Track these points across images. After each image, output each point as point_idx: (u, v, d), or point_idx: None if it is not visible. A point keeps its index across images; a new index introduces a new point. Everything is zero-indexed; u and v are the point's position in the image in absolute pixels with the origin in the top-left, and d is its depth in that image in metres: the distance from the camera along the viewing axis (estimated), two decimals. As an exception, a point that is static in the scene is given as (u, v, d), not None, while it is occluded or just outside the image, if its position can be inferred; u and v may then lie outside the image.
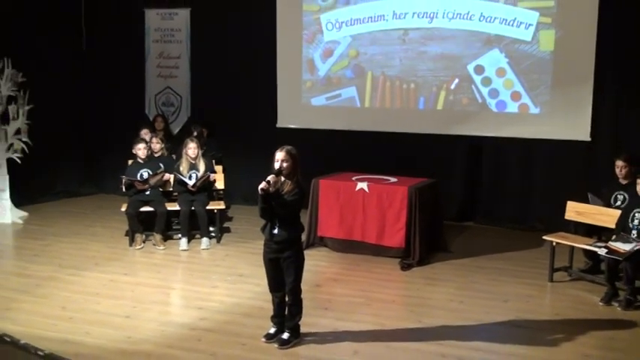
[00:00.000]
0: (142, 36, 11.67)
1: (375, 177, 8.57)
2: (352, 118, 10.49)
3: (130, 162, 9.04)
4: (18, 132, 9.84)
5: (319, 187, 8.51)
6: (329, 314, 6.37)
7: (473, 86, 9.79)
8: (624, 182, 7.43)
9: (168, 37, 11.57)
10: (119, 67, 11.63)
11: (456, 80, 9.86)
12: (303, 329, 5.75)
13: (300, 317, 5.70)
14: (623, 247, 6.65)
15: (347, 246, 8.40)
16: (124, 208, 8.69)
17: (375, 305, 6.68)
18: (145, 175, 8.74)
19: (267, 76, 10.86)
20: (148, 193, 8.69)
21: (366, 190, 8.25)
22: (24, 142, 9.82)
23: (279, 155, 5.43)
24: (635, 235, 6.76)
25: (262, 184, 5.27)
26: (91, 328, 5.92)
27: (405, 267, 7.87)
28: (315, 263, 7.86)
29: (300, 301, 5.67)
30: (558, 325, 6.20)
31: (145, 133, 9.45)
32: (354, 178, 8.51)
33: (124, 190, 8.76)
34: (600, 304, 6.74)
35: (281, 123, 10.92)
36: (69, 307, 6.45)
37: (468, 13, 9.68)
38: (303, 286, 5.69)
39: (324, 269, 7.84)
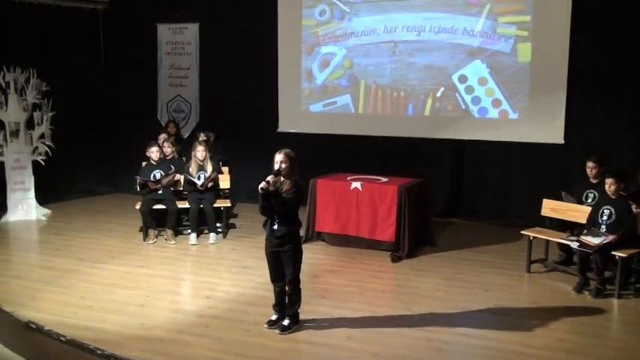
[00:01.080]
0: (155, 49, 11.67)
1: (367, 177, 8.58)
2: (347, 123, 10.49)
3: (143, 164, 9.04)
4: (42, 136, 9.86)
5: (317, 186, 8.51)
6: (326, 302, 6.38)
7: (457, 94, 9.80)
8: (594, 181, 7.42)
9: (178, 49, 11.57)
10: (134, 77, 11.61)
11: (442, 89, 9.87)
12: (302, 316, 5.77)
13: (300, 305, 5.72)
14: (594, 240, 6.67)
15: (342, 240, 8.41)
16: (138, 206, 8.69)
17: (368, 294, 6.69)
18: (158, 176, 8.74)
19: (269, 84, 10.86)
20: (160, 192, 8.69)
21: (360, 189, 8.26)
22: (47, 146, 9.84)
23: (278, 157, 5.45)
24: (604, 230, 6.76)
25: (262, 184, 5.29)
26: (109, 316, 5.94)
27: (396, 259, 7.87)
28: (313, 256, 7.86)
29: (299, 290, 5.69)
30: (535, 312, 6.22)
31: (163, 138, 9.45)
32: (348, 178, 8.51)
33: (138, 189, 8.75)
34: (573, 292, 6.75)
35: (282, 128, 10.92)
36: (88, 297, 6.46)
37: (452, 27, 9.70)
38: (301, 276, 5.71)
39: (321, 261, 7.85)
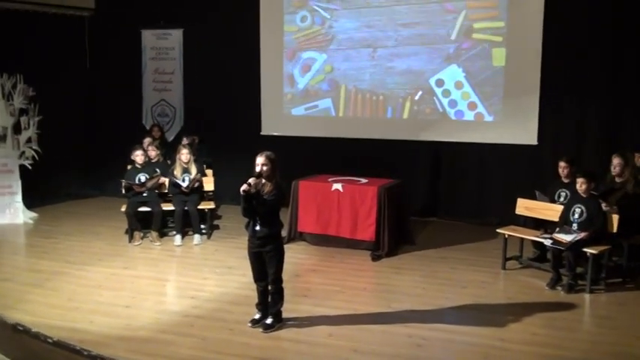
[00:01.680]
0: (139, 54, 11.62)
1: (348, 178, 8.59)
2: (328, 126, 10.50)
3: (129, 167, 9.02)
4: (29, 141, 9.76)
5: (299, 187, 8.51)
6: (307, 301, 6.38)
7: (434, 97, 9.84)
8: (566, 181, 7.49)
9: (162, 55, 11.52)
10: (119, 82, 11.54)
11: (420, 92, 9.91)
12: (284, 314, 5.77)
13: (282, 304, 5.71)
14: (566, 238, 6.73)
15: (323, 240, 8.41)
16: (123, 209, 8.64)
17: (349, 292, 6.70)
18: (143, 179, 8.69)
19: (252, 89, 10.84)
20: (145, 194, 8.65)
21: (341, 190, 8.27)
22: (34, 150, 9.74)
23: (260, 160, 5.44)
24: (576, 228, 6.84)
25: (244, 186, 5.29)
26: (95, 317, 5.90)
27: (376, 258, 7.89)
28: (295, 255, 7.86)
29: (282, 289, 5.68)
30: (510, 308, 6.27)
31: (147, 142, 9.40)
32: (329, 180, 8.52)
33: (123, 192, 8.67)
34: (546, 288, 6.81)
35: (265, 131, 10.90)
36: (75, 299, 6.41)
37: (429, 33, 9.74)
38: (284, 276, 5.70)
39: (303, 261, 7.85)
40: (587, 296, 6.59)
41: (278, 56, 10.73)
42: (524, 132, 9.34)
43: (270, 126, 10.87)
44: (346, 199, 8.20)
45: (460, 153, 9.90)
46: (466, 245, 8.57)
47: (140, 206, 8.62)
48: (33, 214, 9.93)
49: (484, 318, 5.96)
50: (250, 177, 5.37)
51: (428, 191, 10.18)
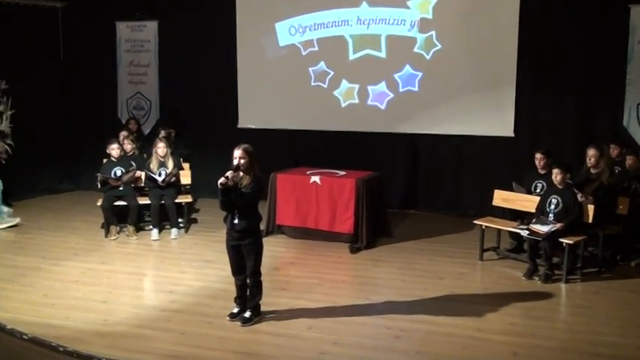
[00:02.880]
0: (114, 46, 11.46)
1: (326, 171, 8.58)
2: (306, 119, 10.45)
3: (104, 161, 8.91)
4: (2, 135, 9.59)
5: (277, 180, 8.48)
6: (286, 294, 6.38)
7: (412, 89, 9.84)
8: (542, 172, 7.56)
9: (138, 47, 11.38)
10: (93, 75, 11.39)
11: (398, 84, 9.91)
12: (263, 308, 5.76)
13: (261, 297, 5.70)
14: (542, 228, 6.80)
15: (302, 233, 8.40)
16: (99, 203, 8.55)
17: (328, 285, 6.71)
18: (119, 173, 8.60)
19: (228, 81, 10.75)
20: (121, 188, 8.56)
21: (319, 182, 8.25)
22: (8, 145, 9.57)
23: (237, 153, 5.41)
24: (552, 218, 6.90)
25: (221, 179, 5.26)
26: (71, 313, 5.83)
27: (354, 250, 7.91)
28: (274, 249, 7.85)
29: (260, 283, 5.66)
30: (487, 298, 6.31)
31: (123, 135, 9.28)
32: (308, 173, 8.50)
33: (99, 186, 8.59)
34: (523, 278, 6.88)
35: (242, 124, 10.84)
36: (51, 295, 6.34)
37: (402, 21, 9.72)
38: (262, 269, 5.68)
39: (281, 254, 7.83)
40: (563, 286, 6.66)
41: (255, 47, 10.64)
42: (501, 124, 9.40)
43: (248, 119, 10.81)
44: (324, 192, 8.19)
45: (438, 145, 9.94)
46: (444, 237, 8.62)
47: (116, 200, 8.53)
48: (8, 209, 9.76)
49: (462, 309, 5.99)
50: (228, 170, 5.34)
51: (406, 183, 10.19)
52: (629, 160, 7.60)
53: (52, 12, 11.33)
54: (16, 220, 9.17)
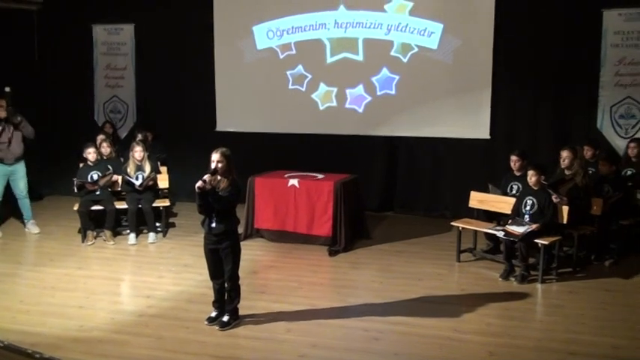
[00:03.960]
0: (90, 49, 11.38)
1: (304, 174, 8.59)
2: (284, 122, 10.46)
3: (81, 165, 8.83)
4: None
5: (255, 184, 8.47)
6: (265, 297, 6.36)
7: (389, 92, 9.90)
8: (518, 174, 7.64)
9: (114, 50, 11.30)
10: (69, 78, 11.30)
11: (375, 87, 9.96)
12: (241, 312, 5.74)
13: (239, 301, 5.68)
14: (518, 229, 6.87)
15: (280, 236, 8.40)
16: (76, 207, 8.47)
17: (306, 288, 6.71)
18: (95, 177, 8.54)
19: (206, 84, 10.72)
20: (98, 193, 8.49)
21: (297, 186, 8.26)
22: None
23: (215, 156, 5.40)
24: (528, 219, 6.98)
25: (199, 183, 5.25)
26: (47, 319, 5.77)
27: (333, 253, 7.92)
28: (252, 252, 7.84)
29: (239, 286, 5.65)
30: (464, 299, 6.36)
31: (100, 139, 9.20)
32: (286, 176, 8.51)
33: (76, 190, 8.52)
34: (500, 279, 6.94)
35: (220, 127, 10.82)
36: (26, 301, 6.26)
37: (379, 25, 9.78)
38: (240, 273, 5.67)
39: (260, 257, 7.82)
40: (539, 286, 6.74)
41: (233, 50, 10.63)
42: (477, 126, 9.50)
43: (225, 122, 10.79)
44: (302, 195, 8.20)
45: (414, 148, 10.01)
46: (421, 239, 8.67)
47: (93, 205, 8.46)
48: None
49: (439, 309, 6.03)
50: (206, 174, 5.34)
51: (383, 186, 10.26)
52: (602, 167, 7.70)
53: (26, 15, 11.16)
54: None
